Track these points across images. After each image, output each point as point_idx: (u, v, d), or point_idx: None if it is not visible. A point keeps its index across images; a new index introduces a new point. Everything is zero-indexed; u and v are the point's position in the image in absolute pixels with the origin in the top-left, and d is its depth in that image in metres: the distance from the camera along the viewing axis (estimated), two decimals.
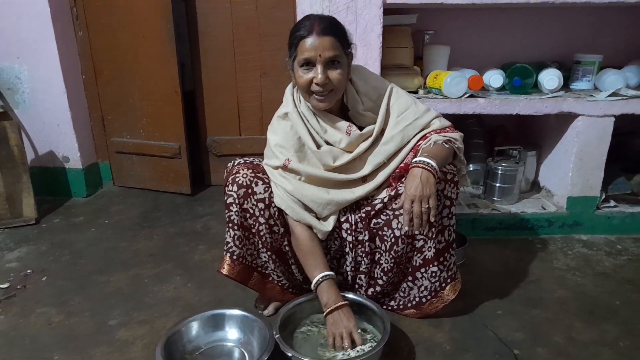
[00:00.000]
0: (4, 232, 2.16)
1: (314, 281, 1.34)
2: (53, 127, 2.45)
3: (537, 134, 2.31)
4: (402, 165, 1.37)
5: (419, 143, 1.37)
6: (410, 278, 1.45)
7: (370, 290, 1.49)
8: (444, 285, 1.42)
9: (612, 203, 2.09)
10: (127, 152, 2.63)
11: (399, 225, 1.37)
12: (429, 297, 1.44)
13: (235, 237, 1.39)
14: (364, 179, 1.41)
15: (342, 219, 1.43)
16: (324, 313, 1.31)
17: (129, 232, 2.15)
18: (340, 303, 1.31)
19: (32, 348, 1.38)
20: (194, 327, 1.36)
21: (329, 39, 1.24)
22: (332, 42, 1.24)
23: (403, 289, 1.48)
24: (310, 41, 1.24)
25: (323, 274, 1.34)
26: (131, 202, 2.52)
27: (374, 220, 1.42)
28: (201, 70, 2.53)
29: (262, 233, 1.39)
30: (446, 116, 1.50)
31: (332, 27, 1.26)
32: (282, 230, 1.41)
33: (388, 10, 1.90)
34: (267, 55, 2.48)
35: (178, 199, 2.56)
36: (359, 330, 1.30)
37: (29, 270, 1.81)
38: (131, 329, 1.46)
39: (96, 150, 2.69)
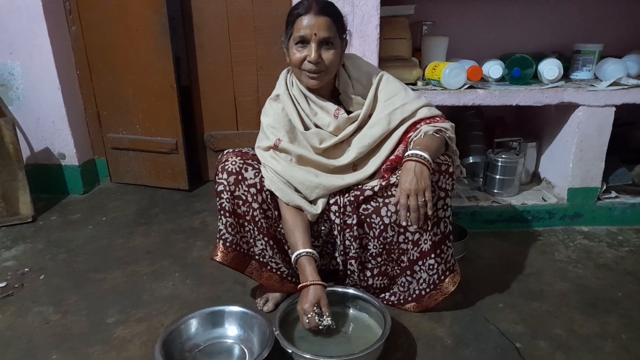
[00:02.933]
0: (0, 231, 2.14)
1: (293, 257, 1.35)
2: (48, 123, 2.43)
3: (537, 125, 2.29)
4: (393, 157, 1.37)
5: (409, 134, 1.36)
6: (408, 272, 1.44)
7: (361, 275, 1.48)
8: (442, 277, 1.41)
9: (613, 194, 2.08)
10: (124, 148, 2.61)
11: (388, 213, 1.37)
12: (428, 289, 1.43)
13: (228, 224, 1.39)
14: (355, 167, 1.42)
15: (331, 202, 1.43)
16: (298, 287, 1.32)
17: (126, 229, 2.13)
18: (308, 282, 1.29)
19: (29, 347, 1.37)
20: (193, 324, 1.34)
21: (325, 19, 1.26)
22: (328, 23, 1.27)
23: (402, 283, 1.47)
24: (307, 19, 1.26)
25: (301, 250, 1.33)
26: (128, 198, 2.50)
27: (363, 206, 1.41)
28: (197, 64, 2.50)
29: (257, 219, 1.40)
30: (445, 108, 1.48)
31: (329, 9, 1.29)
32: (275, 213, 1.43)
33: (385, 1, 1.87)
34: (263, 48, 2.46)
35: (175, 195, 2.54)
36: (328, 318, 1.28)
37: (26, 269, 1.80)
38: (129, 327, 1.44)
39: (92, 147, 2.67)
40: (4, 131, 2.16)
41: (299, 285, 1.32)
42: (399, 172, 1.29)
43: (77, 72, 2.51)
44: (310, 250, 1.34)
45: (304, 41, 1.28)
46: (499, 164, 2.08)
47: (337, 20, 1.30)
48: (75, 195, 2.55)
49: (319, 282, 1.30)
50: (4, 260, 1.87)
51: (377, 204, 1.39)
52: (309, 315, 1.27)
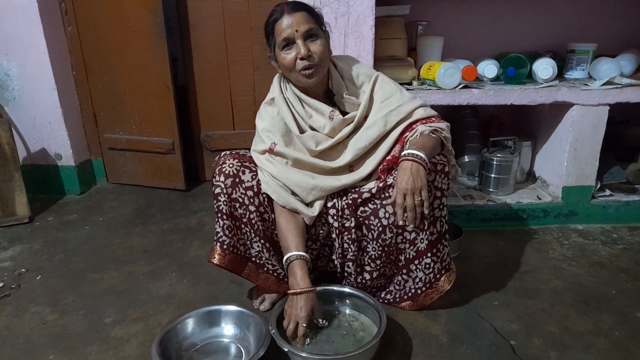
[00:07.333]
0: None
1: (284, 259, 1.34)
2: (44, 124, 2.42)
3: (531, 124, 2.30)
4: (389, 157, 1.37)
5: (405, 135, 1.37)
6: (404, 271, 1.45)
7: (360, 278, 1.49)
8: (438, 276, 1.42)
9: (608, 192, 2.09)
10: (120, 148, 2.61)
11: (386, 215, 1.37)
12: (424, 288, 1.44)
13: (225, 226, 1.39)
14: (351, 168, 1.42)
15: (329, 205, 1.44)
16: (289, 292, 1.31)
17: (123, 229, 2.13)
18: (302, 289, 1.28)
19: (27, 348, 1.37)
20: (190, 323, 1.35)
21: (301, 13, 1.29)
22: (306, 16, 1.29)
23: (398, 282, 1.48)
24: (285, 21, 1.28)
25: (293, 253, 1.32)
26: (125, 198, 2.51)
27: (361, 209, 1.41)
28: (193, 64, 2.50)
29: (253, 221, 1.40)
30: (440, 107, 1.49)
31: (302, 5, 1.33)
32: (272, 217, 1.43)
33: (380, 1, 1.88)
34: (259, 48, 2.46)
35: (172, 195, 2.55)
36: (321, 320, 1.32)
37: (23, 269, 1.80)
38: (126, 327, 1.45)
39: (89, 147, 2.67)
40: (0, 132, 2.16)
41: (289, 291, 1.30)
42: (396, 172, 1.30)
43: (73, 73, 2.51)
44: (302, 253, 1.33)
45: (288, 43, 1.30)
46: (494, 162, 2.09)
47: (312, 13, 1.32)
48: (72, 195, 2.55)
49: (310, 289, 1.29)
50: (1, 261, 1.87)
51: (375, 206, 1.39)
52: (304, 325, 1.26)
